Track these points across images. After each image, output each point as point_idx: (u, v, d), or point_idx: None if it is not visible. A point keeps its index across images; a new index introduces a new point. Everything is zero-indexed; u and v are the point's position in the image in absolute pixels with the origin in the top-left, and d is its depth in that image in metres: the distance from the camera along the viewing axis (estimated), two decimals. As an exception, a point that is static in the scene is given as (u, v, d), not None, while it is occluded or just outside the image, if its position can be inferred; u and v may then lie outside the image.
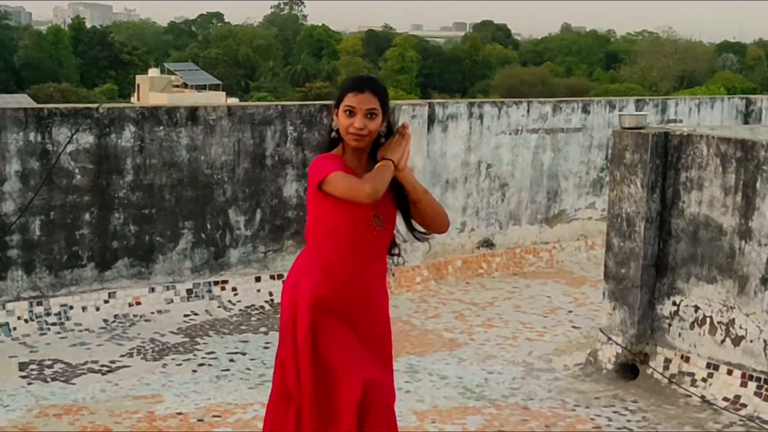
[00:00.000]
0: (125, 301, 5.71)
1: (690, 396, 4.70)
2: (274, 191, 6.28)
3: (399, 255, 3.21)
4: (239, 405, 4.44)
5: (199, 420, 4.25)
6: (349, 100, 3.00)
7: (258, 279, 6.20)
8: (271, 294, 6.14)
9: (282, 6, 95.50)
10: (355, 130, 2.99)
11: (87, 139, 5.55)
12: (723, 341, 4.71)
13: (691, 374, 4.79)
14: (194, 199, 5.95)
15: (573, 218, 7.87)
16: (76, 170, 5.54)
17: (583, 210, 7.92)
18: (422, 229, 3.14)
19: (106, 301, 5.65)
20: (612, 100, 8.06)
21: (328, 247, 3.02)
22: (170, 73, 62.47)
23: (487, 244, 7.37)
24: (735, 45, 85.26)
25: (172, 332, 5.52)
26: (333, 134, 3.08)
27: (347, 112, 3.00)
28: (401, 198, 3.09)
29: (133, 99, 55.57)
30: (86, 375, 4.78)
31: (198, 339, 5.44)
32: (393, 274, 6.59)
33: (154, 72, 62.26)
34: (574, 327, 5.99)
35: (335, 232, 3.01)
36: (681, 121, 8.44)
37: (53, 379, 4.71)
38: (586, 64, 79.83)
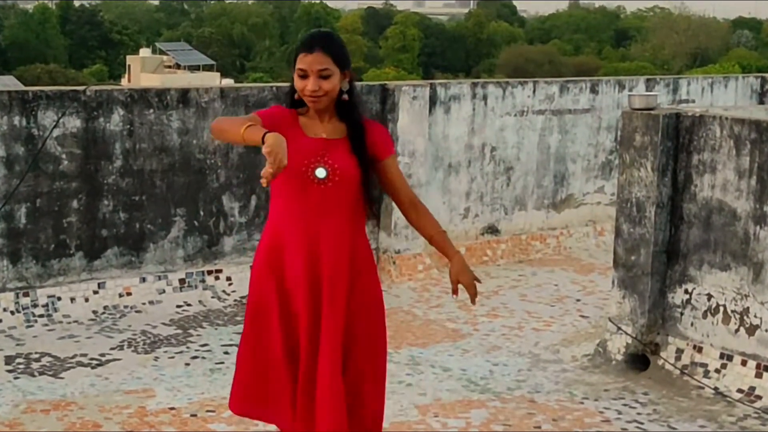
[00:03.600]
0: (115, 291, 5.58)
1: (703, 388, 4.60)
2: (270, 176, 6.12)
3: (372, 211, 3.04)
4: (233, 400, 4.32)
5: (192, 415, 4.15)
6: (300, 62, 2.86)
7: (254, 267, 6.07)
8: (267, 282, 6.02)
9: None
10: (309, 93, 2.86)
11: (74, 123, 5.41)
12: (737, 331, 4.60)
13: (704, 365, 4.69)
14: (186, 185, 5.80)
15: (581, 203, 7.73)
16: (63, 156, 5.39)
17: (592, 194, 7.77)
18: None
19: (95, 292, 5.52)
20: (621, 79, 7.92)
21: (276, 209, 2.95)
22: (162, 53, 61.48)
23: (492, 230, 7.23)
24: (750, 21, 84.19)
25: (164, 324, 5.40)
26: (296, 95, 2.94)
27: (300, 76, 2.87)
28: (364, 162, 2.94)
29: (124, 80, 54.76)
30: (75, 369, 4.68)
31: (191, 331, 5.32)
32: (394, 262, 6.47)
33: (145, 52, 61.16)
34: (582, 316, 5.87)
35: (278, 190, 2.92)
36: (693, 101, 8.31)
37: (41, 373, 4.60)
38: (595, 42, 79.03)
